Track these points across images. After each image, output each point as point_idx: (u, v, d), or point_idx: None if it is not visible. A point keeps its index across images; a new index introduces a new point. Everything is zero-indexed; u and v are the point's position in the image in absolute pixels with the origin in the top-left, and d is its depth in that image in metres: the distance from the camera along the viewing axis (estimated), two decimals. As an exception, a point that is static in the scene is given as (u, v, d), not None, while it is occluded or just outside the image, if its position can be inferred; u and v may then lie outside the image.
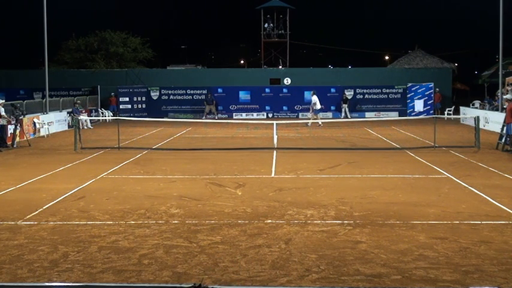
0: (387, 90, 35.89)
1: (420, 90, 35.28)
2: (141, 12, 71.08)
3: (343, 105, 34.02)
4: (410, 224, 9.45)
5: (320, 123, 29.09)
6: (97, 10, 59.16)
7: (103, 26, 44.73)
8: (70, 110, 28.95)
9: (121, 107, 34.97)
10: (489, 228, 9.16)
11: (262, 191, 12.19)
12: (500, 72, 27.69)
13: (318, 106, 29.85)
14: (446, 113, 31.80)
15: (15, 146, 20.49)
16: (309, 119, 30.13)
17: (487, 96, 34.04)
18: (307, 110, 35.47)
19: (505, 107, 20.39)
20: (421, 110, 34.90)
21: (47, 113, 26.72)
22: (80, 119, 24.18)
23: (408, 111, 35.27)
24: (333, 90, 35.49)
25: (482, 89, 38.60)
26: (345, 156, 17.42)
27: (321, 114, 31.61)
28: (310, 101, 30.38)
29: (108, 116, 32.66)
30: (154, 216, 10.07)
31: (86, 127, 27.91)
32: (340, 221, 9.64)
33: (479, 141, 19.01)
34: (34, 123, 24.52)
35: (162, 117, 31.81)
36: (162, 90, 36.06)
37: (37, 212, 10.41)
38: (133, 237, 8.76)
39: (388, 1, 76.50)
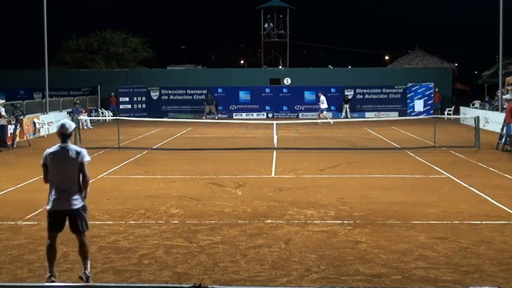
0: (387, 90, 35.87)
1: (420, 90, 35.27)
2: (142, 12, 71.08)
3: (345, 105, 34.03)
4: (410, 224, 9.46)
5: (319, 122, 29.28)
6: (97, 10, 59.13)
7: (103, 26, 44.76)
8: (70, 110, 28.94)
9: (121, 107, 34.95)
10: (489, 228, 9.16)
11: (262, 191, 12.19)
12: (500, 72, 27.68)
13: (325, 106, 30.55)
14: (446, 113, 31.78)
15: (15, 146, 20.49)
16: (325, 118, 30.36)
17: (487, 96, 34.00)
18: (307, 110, 35.55)
19: (505, 107, 20.39)
20: (421, 110, 34.89)
21: (47, 113, 26.71)
22: (80, 119, 24.17)
23: (408, 111, 35.25)
24: (333, 90, 35.45)
25: (482, 89, 38.57)
26: (345, 156, 17.42)
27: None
28: (319, 100, 30.87)
29: (108, 116, 32.66)
30: (154, 216, 10.07)
31: (86, 127, 27.89)
32: (340, 221, 9.65)
33: (479, 141, 19.01)
34: (34, 123, 24.51)
35: (162, 118, 31.80)
36: (162, 90, 36.04)
37: (37, 212, 10.41)
38: (133, 237, 8.76)
39: (388, 1, 76.52)
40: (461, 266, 7.46)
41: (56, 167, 6.82)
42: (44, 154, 6.95)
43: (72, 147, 6.92)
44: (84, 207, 6.92)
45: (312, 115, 34.83)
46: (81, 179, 6.88)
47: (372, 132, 25.63)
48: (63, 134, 6.90)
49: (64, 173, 6.81)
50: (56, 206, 6.86)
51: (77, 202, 6.85)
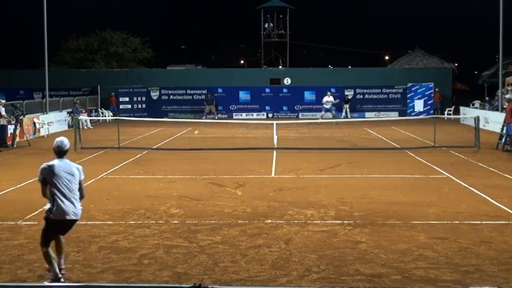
0: (387, 90, 35.86)
1: (420, 90, 35.27)
2: (141, 12, 71.05)
3: (345, 105, 34.03)
4: (410, 224, 9.45)
5: (319, 122, 29.39)
6: (97, 10, 59.15)
7: (103, 26, 44.77)
8: (70, 110, 28.94)
9: (121, 107, 34.95)
10: (489, 228, 9.16)
11: (262, 191, 12.19)
12: (500, 72, 27.68)
13: (328, 106, 31.13)
14: (446, 113, 31.78)
15: (15, 146, 20.49)
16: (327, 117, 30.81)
17: (487, 97, 34.00)
18: (307, 110, 35.57)
19: (505, 107, 20.39)
20: (421, 110, 34.88)
21: (47, 113, 26.71)
22: (80, 119, 24.16)
23: (408, 111, 35.25)
24: (333, 90, 35.38)
25: (482, 89, 38.57)
26: (345, 156, 17.42)
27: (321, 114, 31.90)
28: (329, 101, 31.33)
29: (108, 116, 32.65)
30: (154, 216, 10.07)
31: (86, 127, 27.89)
32: (340, 221, 9.65)
33: (479, 141, 19.00)
34: (34, 123, 24.51)
35: (162, 118, 31.78)
36: (162, 90, 36.04)
37: (37, 212, 10.40)
38: (133, 237, 8.76)
39: (388, 1, 76.47)
40: (461, 266, 7.46)
41: (63, 178, 7.00)
42: (42, 168, 7.13)
43: (71, 162, 7.22)
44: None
45: (311, 115, 34.87)
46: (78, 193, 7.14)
47: (372, 132, 25.63)
48: (61, 150, 7.18)
49: (71, 184, 7.02)
50: (64, 215, 6.99)
51: (78, 211, 7.10)
